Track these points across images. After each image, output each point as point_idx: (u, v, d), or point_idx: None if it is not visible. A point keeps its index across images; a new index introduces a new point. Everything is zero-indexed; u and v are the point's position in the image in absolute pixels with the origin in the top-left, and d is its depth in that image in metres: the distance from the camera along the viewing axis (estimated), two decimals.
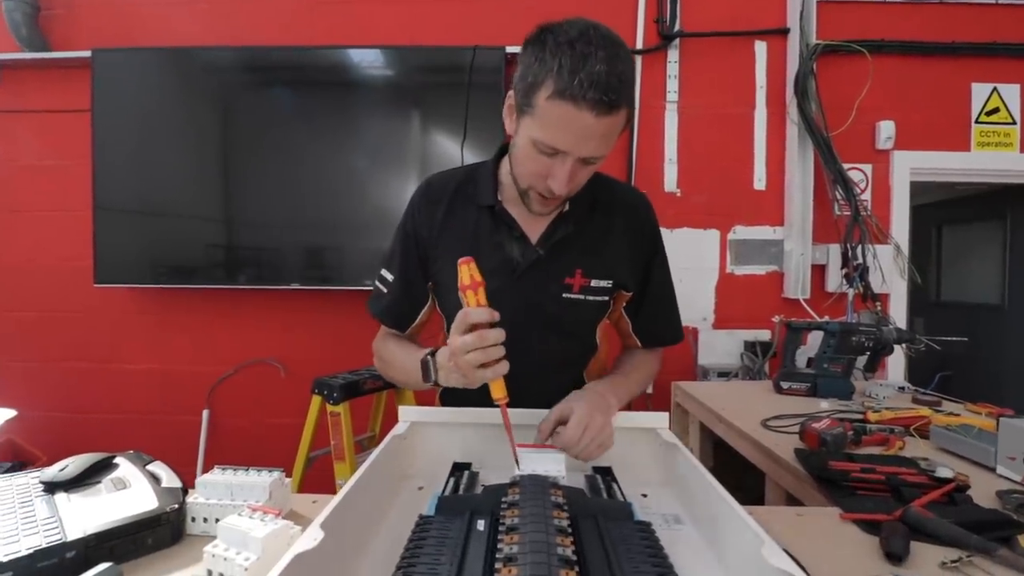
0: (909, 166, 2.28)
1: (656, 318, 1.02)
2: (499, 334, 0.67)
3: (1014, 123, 2.29)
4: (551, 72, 0.70)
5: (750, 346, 2.21)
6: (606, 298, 0.94)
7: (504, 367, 0.69)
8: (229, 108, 2.25)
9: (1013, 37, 2.25)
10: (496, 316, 0.68)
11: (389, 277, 0.98)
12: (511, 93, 0.80)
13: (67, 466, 0.72)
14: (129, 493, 0.67)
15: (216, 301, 2.33)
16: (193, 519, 0.66)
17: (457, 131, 2.17)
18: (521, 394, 0.74)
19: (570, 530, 0.51)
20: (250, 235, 2.24)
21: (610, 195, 0.96)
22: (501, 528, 0.52)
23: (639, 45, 2.27)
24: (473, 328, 0.67)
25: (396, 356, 0.95)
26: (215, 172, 2.25)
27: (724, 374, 2.17)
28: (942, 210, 3.37)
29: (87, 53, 2.20)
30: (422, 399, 1.94)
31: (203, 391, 2.36)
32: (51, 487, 0.69)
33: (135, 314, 2.36)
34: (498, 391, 0.69)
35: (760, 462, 1.11)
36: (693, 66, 2.29)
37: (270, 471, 0.70)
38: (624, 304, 1.00)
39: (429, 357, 0.80)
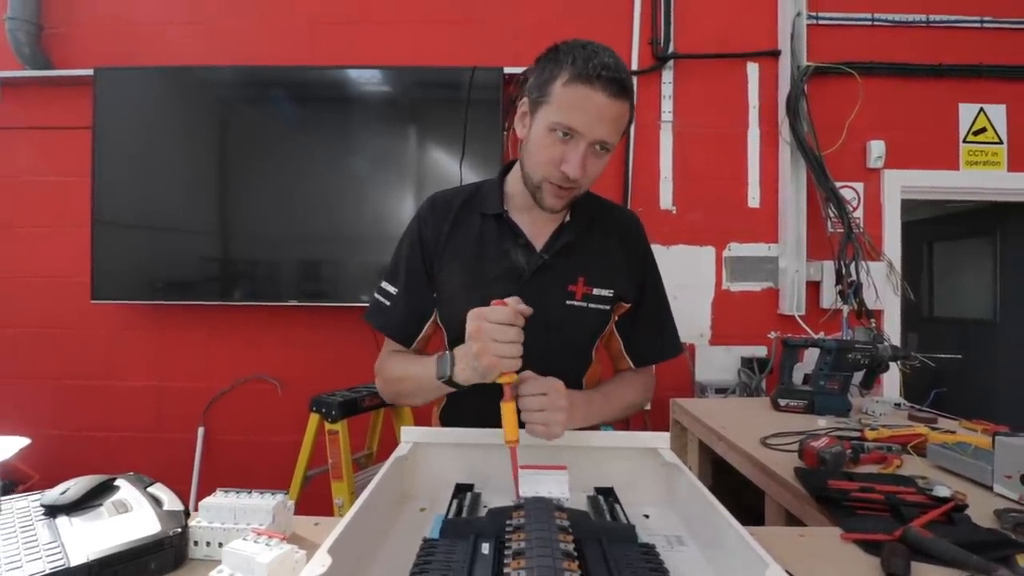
0: (900, 184, 2.32)
1: (652, 333, 1.03)
2: (520, 332, 0.73)
3: (1001, 142, 2.34)
4: (566, 64, 0.81)
5: (747, 362, 2.22)
6: (607, 307, 0.96)
7: (518, 364, 0.73)
8: (229, 126, 2.27)
9: (998, 59, 2.31)
10: (521, 321, 0.73)
11: (392, 290, 0.98)
12: (524, 100, 0.89)
13: (68, 489, 0.71)
14: (131, 517, 0.67)
15: (213, 317, 2.33)
16: (196, 543, 0.65)
17: (456, 149, 2.20)
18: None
19: (576, 554, 0.52)
20: (248, 252, 2.24)
21: (605, 214, 1.02)
22: (507, 552, 0.52)
23: (634, 66, 2.31)
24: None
25: (406, 367, 0.95)
26: (214, 190, 2.26)
27: (722, 390, 2.18)
28: (933, 227, 3.42)
29: (89, 71, 2.22)
30: (421, 420, 1.93)
31: (199, 408, 2.34)
32: (52, 511, 0.68)
33: (131, 330, 2.35)
34: (511, 432, 0.71)
35: (759, 480, 1.11)
36: (687, 86, 2.34)
37: (273, 494, 0.70)
38: (616, 320, 1.01)
39: (447, 352, 0.82)
